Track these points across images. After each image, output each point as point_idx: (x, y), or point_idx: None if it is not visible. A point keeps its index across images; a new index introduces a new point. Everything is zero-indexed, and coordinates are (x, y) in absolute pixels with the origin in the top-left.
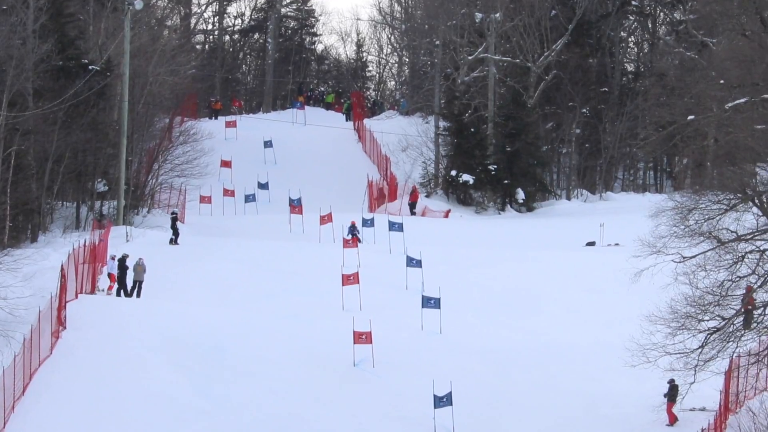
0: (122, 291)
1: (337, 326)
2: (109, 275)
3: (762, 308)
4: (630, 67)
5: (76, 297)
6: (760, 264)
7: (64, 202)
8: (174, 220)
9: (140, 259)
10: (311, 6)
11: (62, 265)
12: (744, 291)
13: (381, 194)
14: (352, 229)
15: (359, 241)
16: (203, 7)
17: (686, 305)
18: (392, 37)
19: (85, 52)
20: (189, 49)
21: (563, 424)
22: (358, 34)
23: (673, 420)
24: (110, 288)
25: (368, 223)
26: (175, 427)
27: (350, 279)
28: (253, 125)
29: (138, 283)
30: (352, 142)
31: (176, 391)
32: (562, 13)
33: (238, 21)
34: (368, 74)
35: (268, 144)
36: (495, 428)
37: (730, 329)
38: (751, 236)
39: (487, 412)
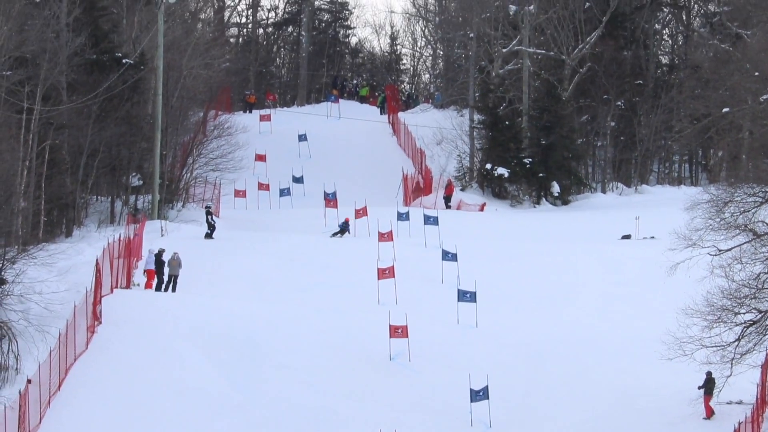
0: (160, 285)
1: (372, 320)
2: (146, 272)
3: None
4: (664, 60)
5: (111, 292)
6: None
7: (99, 197)
8: (208, 214)
9: (175, 253)
10: None
11: (97, 260)
12: None
13: (416, 188)
14: (344, 225)
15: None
16: (237, 0)
17: (722, 298)
18: (426, 30)
19: (118, 45)
20: (223, 42)
21: (599, 417)
22: (392, 27)
23: (709, 413)
24: (148, 285)
25: (403, 216)
26: (210, 420)
27: (386, 273)
28: (287, 119)
29: (173, 277)
30: (387, 136)
31: (211, 385)
32: (596, 5)
33: (272, 14)
34: (402, 67)
35: (302, 138)
36: (531, 421)
37: (767, 322)
38: None
39: (523, 405)
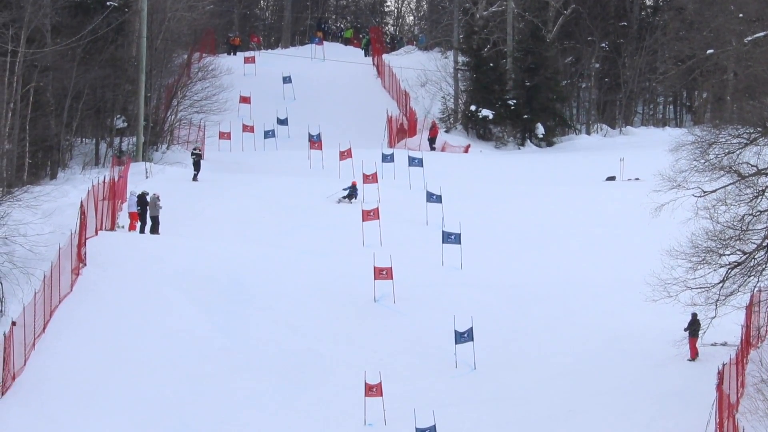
0: (143, 227)
1: (357, 262)
2: (130, 214)
3: None
4: (648, 1)
5: (96, 234)
6: None
7: (83, 139)
8: (195, 155)
9: (155, 194)
10: None
11: (82, 202)
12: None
13: (401, 129)
14: (352, 189)
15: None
16: None
17: (707, 240)
18: None
19: None
20: None
21: (584, 359)
22: None
23: (694, 354)
24: (131, 227)
25: (388, 158)
26: (195, 362)
27: (370, 215)
28: (271, 61)
29: (153, 218)
30: (371, 78)
31: (196, 327)
32: None
33: None
34: (387, 9)
35: (287, 80)
36: (515, 364)
37: (751, 263)
38: None
39: (508, 347)
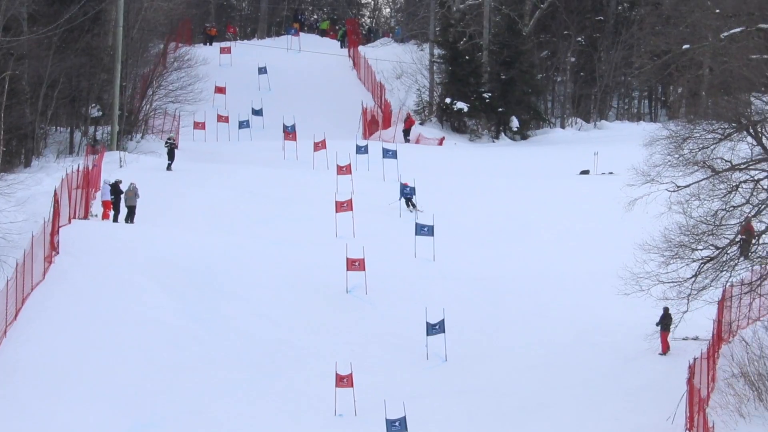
0: (117, 216)
1: (330, 253)
2: (104, 203)
3: (756, 238)
4: None
5: (69, 222)
6: (754, 194)
7: (58, 127)
8: (169, 145)
9: (131, 184)
10: None
11: (55, 190)
12: (741, 220)
13: (375, 121)
14: (406, 190)
15: (413, 206)
16: None
17: (680, 234)
18: None
19: None
20: None
21: (555, 352)
22: None
23: (666, 348)
24: (104, 216)
25: (362, 150)
26: (168, 352)
27: (344, 206)
28: (247, 51)
29: (130, 208)
30: (347, 69)
31: (169, 317)
32: None
33: None
34: (363, 1)
35: (262, 70)
36: (487, 356)
37: (724, 259)
38: (745, 166)
39: (479, 339)
